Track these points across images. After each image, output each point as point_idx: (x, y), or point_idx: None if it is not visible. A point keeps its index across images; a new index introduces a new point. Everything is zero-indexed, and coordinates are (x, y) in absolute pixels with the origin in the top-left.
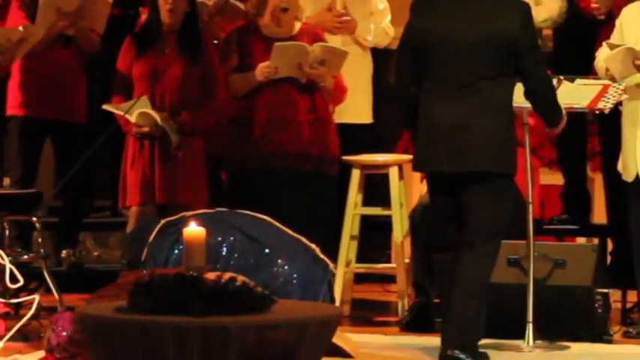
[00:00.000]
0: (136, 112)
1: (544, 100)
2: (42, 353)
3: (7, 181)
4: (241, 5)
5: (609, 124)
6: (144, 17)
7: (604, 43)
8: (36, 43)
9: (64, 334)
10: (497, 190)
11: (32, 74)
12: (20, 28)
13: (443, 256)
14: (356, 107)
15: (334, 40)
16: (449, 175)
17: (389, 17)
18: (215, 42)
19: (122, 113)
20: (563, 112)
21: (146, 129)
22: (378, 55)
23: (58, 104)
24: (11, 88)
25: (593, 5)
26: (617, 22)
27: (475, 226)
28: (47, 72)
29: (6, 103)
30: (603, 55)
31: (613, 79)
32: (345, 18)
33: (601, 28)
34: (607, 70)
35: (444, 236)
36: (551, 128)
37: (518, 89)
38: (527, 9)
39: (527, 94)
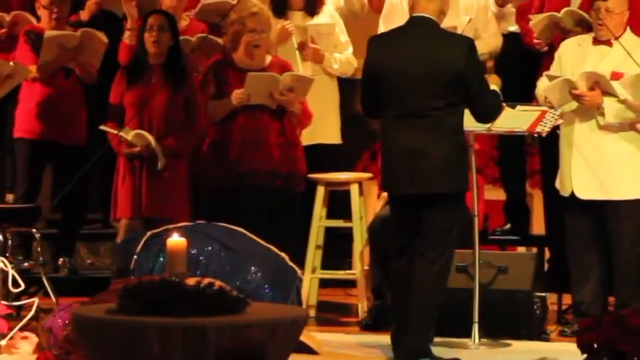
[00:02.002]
0: (132, 132)
1: (488, 122)
2: None
3: (9, 196)
4: (219, 40)
5: (549, 145)
6: (127, 41)
7: (544, 75)
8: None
9: (58, 324)
10: (450, 208)
11: (37, 101)
12: (11, 64)
13: (400, 264)
14: (327, 130)
15: (304, 70)
16: (408, 196)
17: (351, 49)
18: (195, 74)
19: (118, 132)
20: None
21: (137, 149)
22: (343, 84)
23: (60, 129)
24: (19, 113)
25: (536, 41)
26: (556, 54)
27: (429, 239)
28: (50, 99)
29: (11, 126)
30: (543, 85)
31: (552, 107)
32: (290, 26)
33: (542, 59)
34: (546, 98)
35: (401, 245)
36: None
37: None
38: (471, 43)
39: (475, 118)
